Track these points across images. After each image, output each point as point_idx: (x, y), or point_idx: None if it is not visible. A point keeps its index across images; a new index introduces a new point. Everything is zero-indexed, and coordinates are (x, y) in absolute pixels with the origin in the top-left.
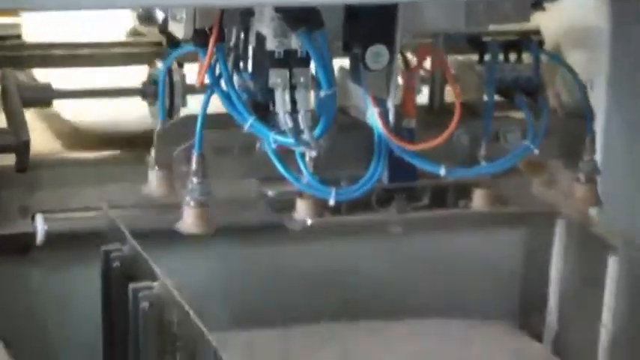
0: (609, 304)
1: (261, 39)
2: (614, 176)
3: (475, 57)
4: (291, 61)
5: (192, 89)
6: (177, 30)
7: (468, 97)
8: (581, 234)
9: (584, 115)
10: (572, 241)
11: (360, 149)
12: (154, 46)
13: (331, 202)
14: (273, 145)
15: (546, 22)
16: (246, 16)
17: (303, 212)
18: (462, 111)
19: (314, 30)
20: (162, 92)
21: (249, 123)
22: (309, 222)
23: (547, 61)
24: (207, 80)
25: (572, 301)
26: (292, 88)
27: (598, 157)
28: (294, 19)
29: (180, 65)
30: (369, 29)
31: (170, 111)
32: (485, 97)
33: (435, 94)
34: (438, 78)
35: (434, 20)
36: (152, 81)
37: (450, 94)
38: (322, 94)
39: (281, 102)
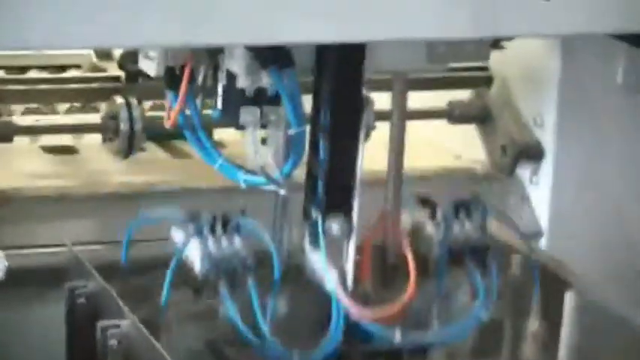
0: (566, 341)
1: (231, 77)
2: (563, 212)
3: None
4: (261, 99)
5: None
6: (149, 67)
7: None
8: None
9: (533, 152)
10: None
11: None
12: (113, 81)
13: None
14: (243, 185)
15: (495, 60)
16: (215, 54)
17: None
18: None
19: (284, 68)
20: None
21: (219, 164)
22: None
23: (496, 98)
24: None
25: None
26: (262, 127)
27: (548, 194)
28: (265, 57)
29: (140, 102)
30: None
31: (129, 148)
32: (438, 256)
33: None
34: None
35: (396, 59)
36: (110, 116)
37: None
38: (291, 132)
39: (251, 140)
